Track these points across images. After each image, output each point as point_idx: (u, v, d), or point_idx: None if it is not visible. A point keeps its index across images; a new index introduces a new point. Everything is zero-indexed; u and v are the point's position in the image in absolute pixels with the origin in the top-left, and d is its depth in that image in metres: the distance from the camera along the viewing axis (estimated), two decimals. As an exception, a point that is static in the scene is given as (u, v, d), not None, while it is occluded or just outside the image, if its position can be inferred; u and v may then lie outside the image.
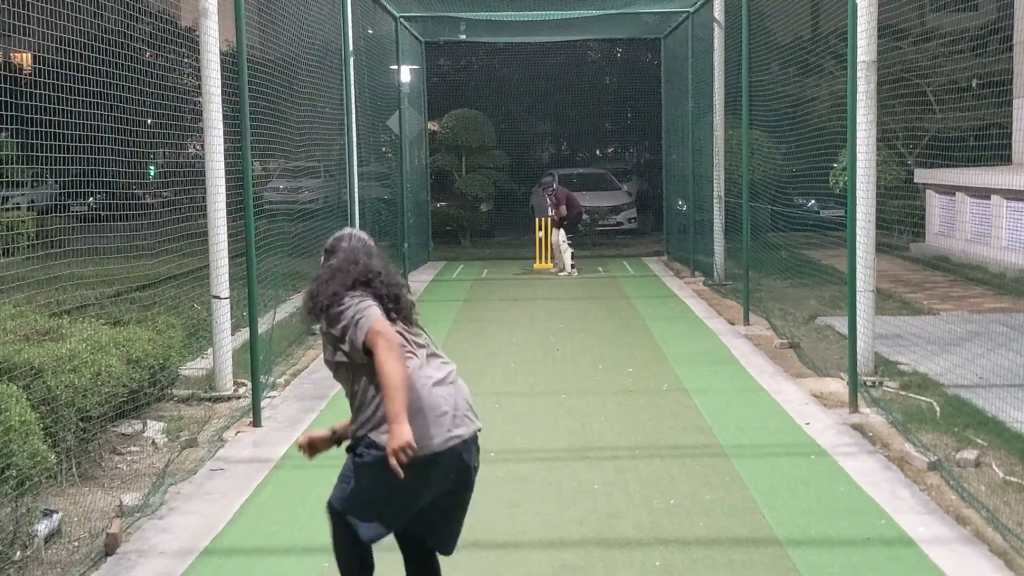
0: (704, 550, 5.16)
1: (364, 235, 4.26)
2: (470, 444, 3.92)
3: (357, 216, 13.07)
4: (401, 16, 17.10)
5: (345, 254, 4.08)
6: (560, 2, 16.56)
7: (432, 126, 22.86)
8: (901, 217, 16.92)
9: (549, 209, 17.55)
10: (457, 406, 3.88)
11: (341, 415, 9.04)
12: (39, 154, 6.44)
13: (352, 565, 3.98)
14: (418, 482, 3.76)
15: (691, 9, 16.54)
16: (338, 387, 9.08)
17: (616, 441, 7.12)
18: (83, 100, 6.76)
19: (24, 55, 9.18)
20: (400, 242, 16.58)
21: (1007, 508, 5.53)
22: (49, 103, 6.54)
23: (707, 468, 6.45)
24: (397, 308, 4.00)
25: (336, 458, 6.80)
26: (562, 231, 17.02)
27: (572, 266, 16.97)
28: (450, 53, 26.05)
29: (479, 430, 4.00)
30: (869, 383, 8.07)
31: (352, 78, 13.09)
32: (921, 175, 16.97)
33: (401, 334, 3.90)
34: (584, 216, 21.91)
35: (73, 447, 6.20)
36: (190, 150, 11.09)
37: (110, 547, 5.23)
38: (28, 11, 6.33)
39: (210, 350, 8.72)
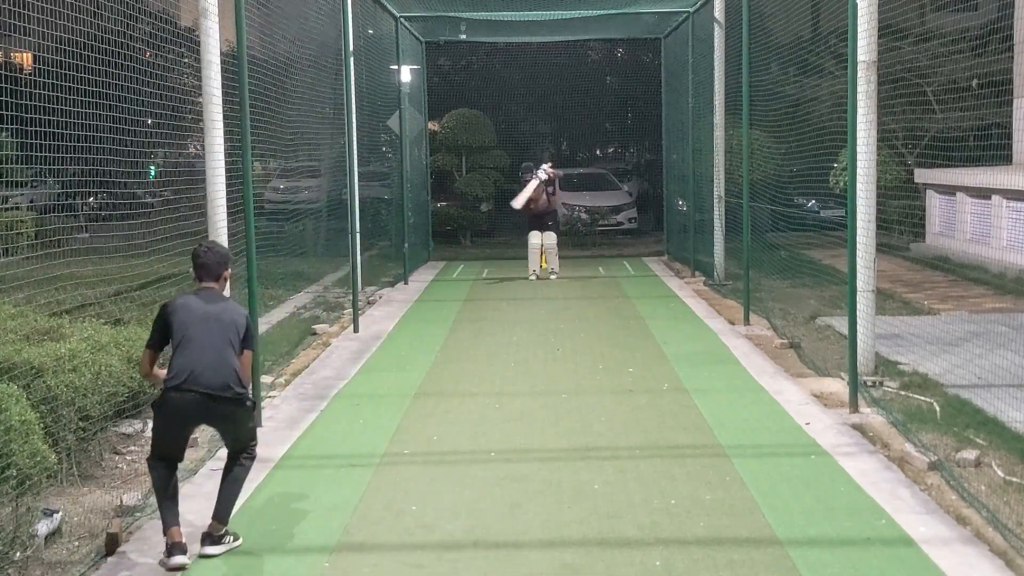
0: (704, 550, 5.16)
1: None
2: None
3: (357, 216, 13.07)
4: (401, 16, 17.08)
5: None
6: (560, 2, 16.54)
7: (432, 126, 22.83)
8: (901, 217, 16.91)
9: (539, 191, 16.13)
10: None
11: (342, 416, 8.93)
12: (39, 154, 6.44)
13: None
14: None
15: (691, 9, 16.54)
16: (338, 388, 9.08)
17: (616, 441, 7.11)
18: (83, 100, 6.75)
19: (24, 55, 9.16)
20: (400, 242, 16.57)
21: (1007, 508, 5.53)
22: (49, 103, 6.54)
23: (707, 468, 6.45)
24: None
25: (334, 458, 6.81)
26: (553, 233, 16.68)
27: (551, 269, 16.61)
28: (450, 53, 25.98)
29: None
30: (869, 383, 8.07)
31: (352, 78, 13.08)
32: (921, 175, 16.96)
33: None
34: (583, 216, 21.94)
35: (73, 447, 6.21)
36: (190, 150, 11.08)
37: (110, 547, 5.23)
38: (28, 11, 6.33)
39: (210, 350, 8.70)
